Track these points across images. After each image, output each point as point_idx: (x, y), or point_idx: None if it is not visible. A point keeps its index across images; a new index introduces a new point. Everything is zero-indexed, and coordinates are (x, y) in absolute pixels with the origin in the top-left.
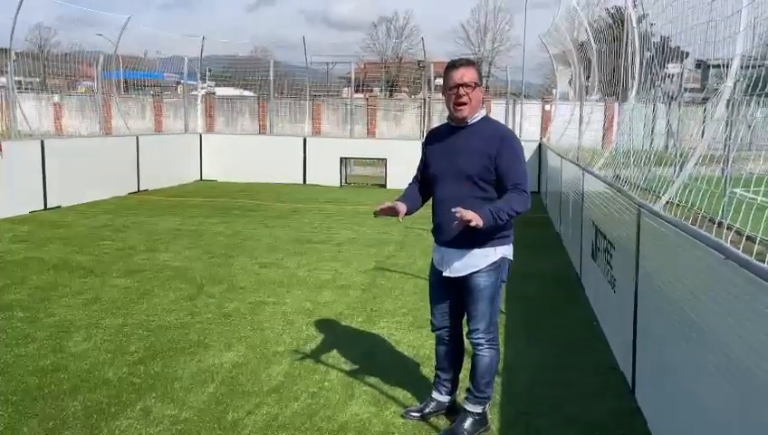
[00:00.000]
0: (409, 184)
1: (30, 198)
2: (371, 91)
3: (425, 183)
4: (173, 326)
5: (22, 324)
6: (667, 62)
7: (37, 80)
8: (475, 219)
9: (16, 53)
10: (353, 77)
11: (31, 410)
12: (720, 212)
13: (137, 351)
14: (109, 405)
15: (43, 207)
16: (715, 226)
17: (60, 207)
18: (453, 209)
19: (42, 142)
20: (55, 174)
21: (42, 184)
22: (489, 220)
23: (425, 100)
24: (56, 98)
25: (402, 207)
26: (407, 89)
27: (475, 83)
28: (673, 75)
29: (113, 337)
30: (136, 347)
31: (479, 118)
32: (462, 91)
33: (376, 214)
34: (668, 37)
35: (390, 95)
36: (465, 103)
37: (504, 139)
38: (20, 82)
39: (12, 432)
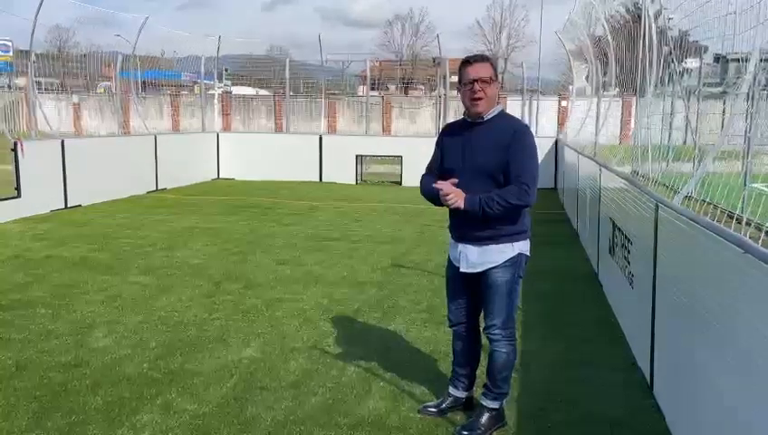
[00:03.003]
0: (425, 175)
1: (51, 197)
2: (387, 88)
3: (440, 176)
4: (192, 323)
5: (44, 321)
6: (686, 57)
7: (57, 81)
8: (458, 201)
9: (36, 55)
10: (369, 75)
11: (54, 404)
12: (739, 207)
13: (157, 347)
14: (130, 400)
15: (63, 206)
16: (734, 220)
17: (80, 205)
18: (435, 184)
19: (62, 142)
20: (75, 173)
21: (62, 183)
22: (474, 206)
23: (440, 97)
24: (75, 98)
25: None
26: (422, 86)
27: (491, 78)
28: (691, 70)
29: (133, 333)
30: (156, 343)
31: (495, 113)
32: (477, 86)
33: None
34: (686, 31)
35: (406, 93)
36: (480, 98)
37: (516, 132)
38: (40, 82)
39: (36, 426)
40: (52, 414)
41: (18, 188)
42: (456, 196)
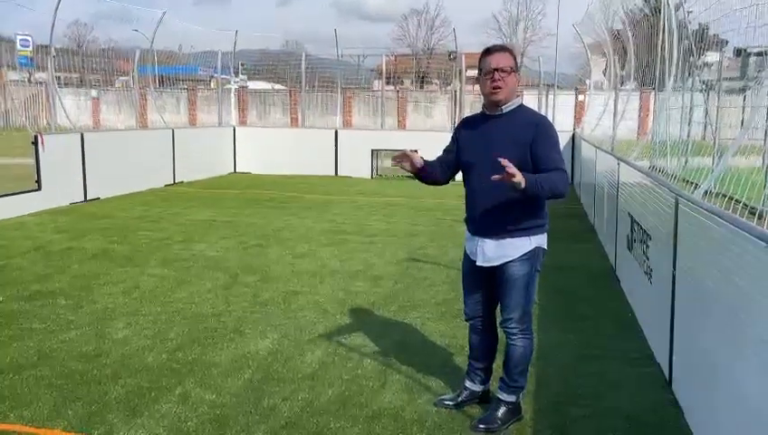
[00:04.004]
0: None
1: (70, 190)
2: (402, 83)
3: (448, 168)
4: (210, 314)
5: (65, 311)
6: (705, 51)
7: (75, 75)
8: (520, 178)
9: (55, 49)
10: (384, 69)
11: (75, 393)
12: (762, 201)
13: (175, 338)
14: (149, 390)
15: (83, 199)
16: (756, 217)
17: (99, 198)
18: (499, 159)
19: (82, 136)
20: (95, 167)
21: (82, 176)
22: (532, 185)
23: (456, 91)
24: (94, 93)
25: (418, 159)
26: (437, 81)
27: (511, 68)
28: (711, 63)
29: (152, 324)
30: (174, 334)
31: (514, 106)
32: (497, 75)
33: (394, 160)
34: (707, 25)
35: (421, 87)
36: (500, 87)
37: (539, 125)
38: (59, 77)
39: (57, 415)
40: (73, 403)
41: (39, 181)
42: (517, 176)
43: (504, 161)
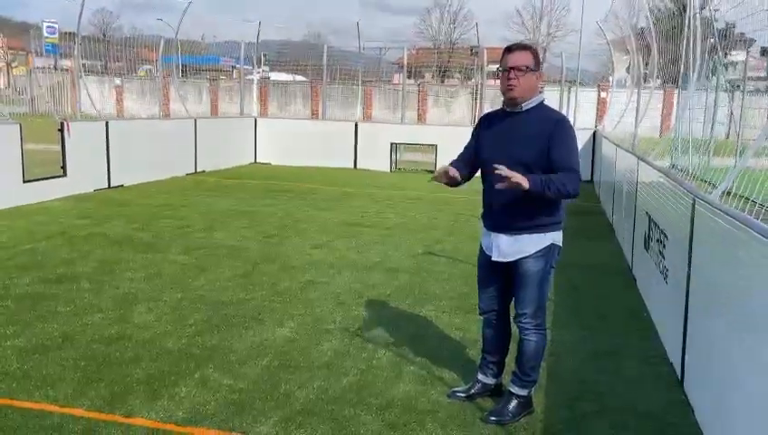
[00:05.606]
0: (452, 161)
1: (95, 177)
2: (423, 77)
3: (470, 165)
4: (229, 302)
5: (88, 295)
6: (731, 49)
7: (99, 63)
8: (522, 182)
9: (81, 37)
10: (405, 63)
11: (97, 374)
12: None
13: (195, 324)
14: (169, 373)
15: (106, 186)
16: None
17: (122, 186)
18: (495, 166)
19: (106, 124)
20: (118, 154)
21: (106, 164)
22: (537, 186)
23: (477, 86)
24: (117, 81)
25: (455, 171)
26: (458, 75)
27: (527, 67)
28: (736, 63)
29: (173, 310)
30: (194, 320)
31: (534, 104)
32: (512, 74)
33: (435, 179)
34: (732, 23)
35: (442, 81)
36: (514, 86)
37: (557, 123)
38: (84, 65)
39: (80, 395)
40: (95, 384)
41: (64, 168)
42: (518, 180)
43: (501, 168)
